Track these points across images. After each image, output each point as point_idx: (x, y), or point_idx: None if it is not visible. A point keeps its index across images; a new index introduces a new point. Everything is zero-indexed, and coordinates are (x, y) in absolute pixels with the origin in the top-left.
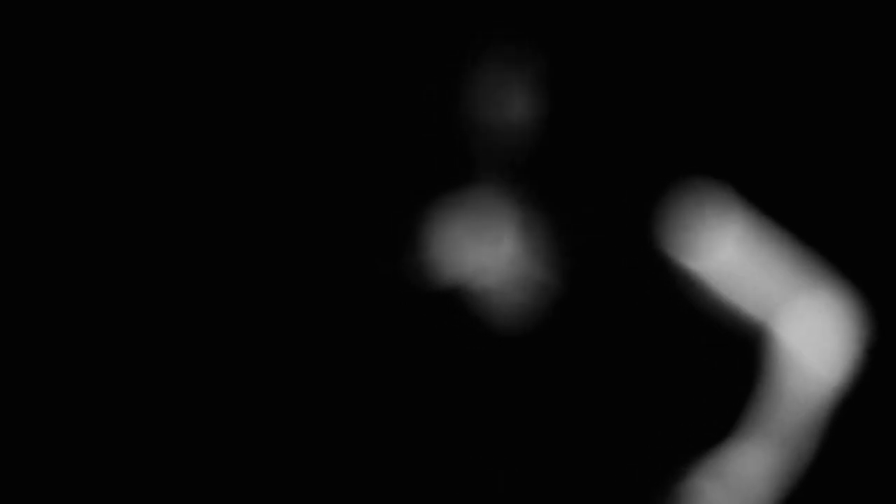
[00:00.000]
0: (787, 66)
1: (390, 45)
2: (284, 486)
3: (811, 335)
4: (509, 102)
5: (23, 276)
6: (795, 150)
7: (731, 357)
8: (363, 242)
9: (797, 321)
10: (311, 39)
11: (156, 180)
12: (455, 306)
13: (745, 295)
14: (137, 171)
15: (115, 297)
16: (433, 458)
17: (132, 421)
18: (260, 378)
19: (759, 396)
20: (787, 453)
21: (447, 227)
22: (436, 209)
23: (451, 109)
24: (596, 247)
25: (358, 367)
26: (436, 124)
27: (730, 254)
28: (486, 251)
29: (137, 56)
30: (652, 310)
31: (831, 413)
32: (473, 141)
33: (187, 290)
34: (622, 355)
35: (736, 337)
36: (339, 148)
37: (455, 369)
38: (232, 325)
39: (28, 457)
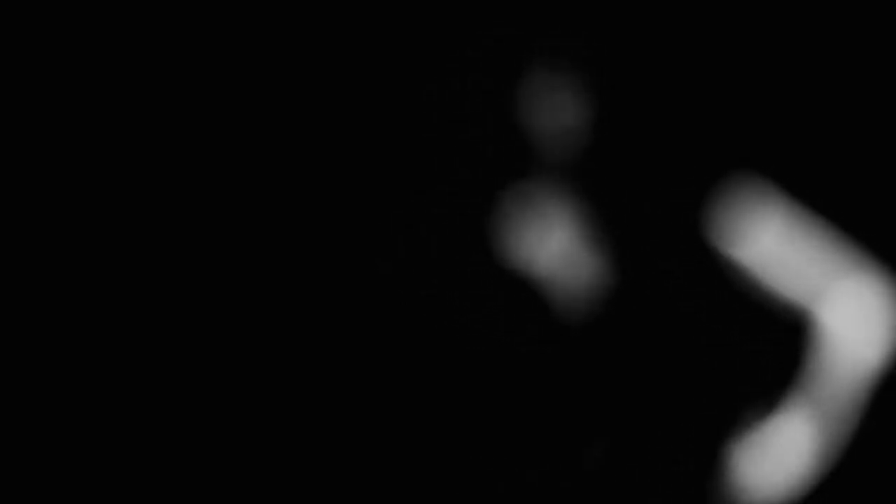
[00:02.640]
0: (826, 63)
1: (453, 53)
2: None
3: (851, 318)
4: (563, 102)
5: (23, 277)
6: (833, 141)
7: (775, 339)
8: (424, 233)
9: (837, 305)
10: (371, 40)
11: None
12: (510, 294)
13: (787, 280)
14: (139, 171)
15: (114, 297)
16: (488, 440)
17: (132, 421)
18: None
19: (802, 376)
20: (830, 429)
21: (504, 219)
22: (494, 202)
23: (508, 110)
24: (645, 237)
25: (416, 349)
26: (494, 124)
27: (771, 242)
28: (540, 241)
29: (137, 56)
30: (699, 295)
31: (872, 391)
32: (529, 139)
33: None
34: (671, 339)
35: (779, 320)
36: (405, 145)
37: (508, 354)
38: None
39: (28, 457)
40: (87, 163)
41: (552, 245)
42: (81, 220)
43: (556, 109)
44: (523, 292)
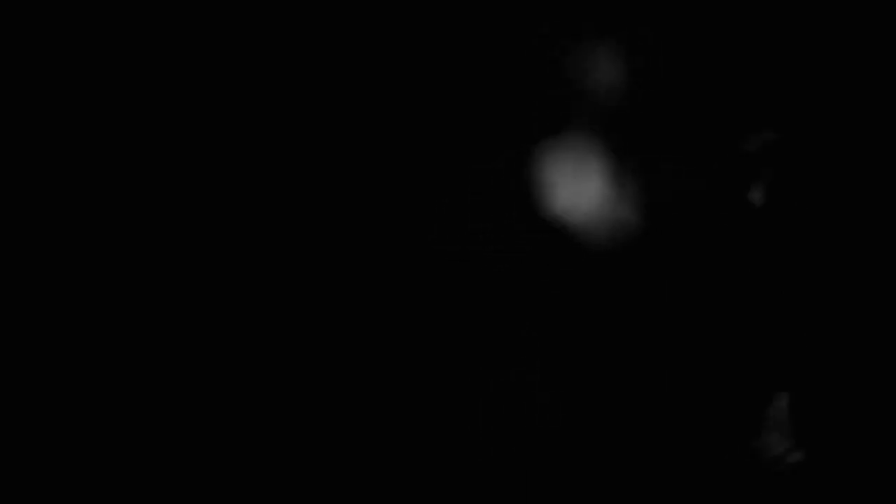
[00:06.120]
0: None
1: (497, 15)
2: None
3: None
4: (600, 62)
5: (22, 277)
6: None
7: None
8: (465, 182)
9: None
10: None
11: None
12: (547, 241)
13: None
14: (139, 171)
15: (113, 297)
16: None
17: (132, 421)
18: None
19: None
20: None
21: (544, 169)
22: (534, 153)
23: (553, 66)
24: (678, 192)
25: (454, 293)
26: (538, 79)
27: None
28: (577, 192)
29: (138, 56)
30: (731, 252)
31: None
32: (568, 97)
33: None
34: (703, 294)
35: None
36: (457, 96)
37: (543, 300)
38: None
39: (28, 457)
40: (88, 163)
41: (587, 197)
42: (81, 220)
43: (594, 68)
44: (559, 241)
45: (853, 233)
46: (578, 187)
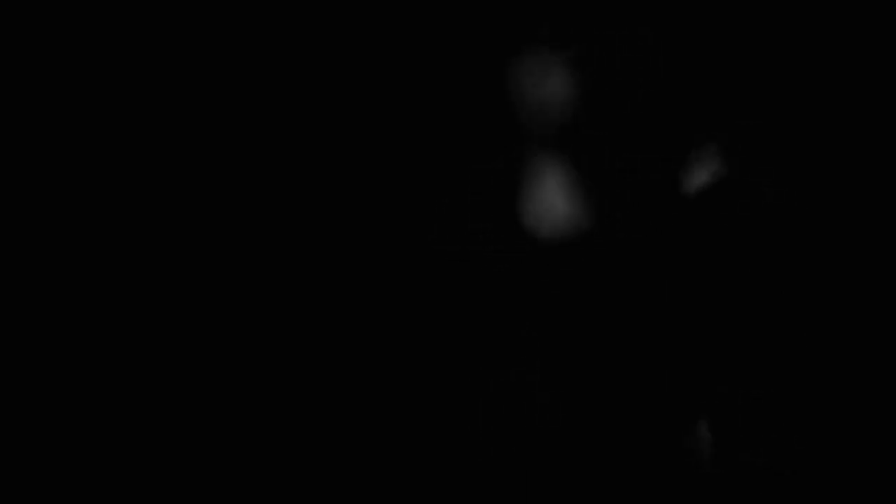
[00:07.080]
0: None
1: (447, 27)
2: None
3: None
4: (555, 74)
5: (22, 277)
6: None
7: None
8: (429, 202)
9: None
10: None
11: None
12: (505, 258)
13: None
14: (139, 171)
15: (113, 297)
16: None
17: (132, 421)
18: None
19: None
20: None
21: (499, 184)
22: (489, 168)
23: (503, 83)
24: (631, 200)
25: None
26: (490, 96)
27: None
28: (534, 206)
29: (138, 56)
30: (684, 257)
31: None
32: (523, 108)
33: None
34: (660, 297)
35: None
36: (406, 116)
37: (504, 315)
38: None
39: (28, 457)
40: (88, 163)
41: (546, 208)
42: (81, 220)
43: (550, 80)
44: (516, 255)
45: (804, 245)
46: (541, 198)
